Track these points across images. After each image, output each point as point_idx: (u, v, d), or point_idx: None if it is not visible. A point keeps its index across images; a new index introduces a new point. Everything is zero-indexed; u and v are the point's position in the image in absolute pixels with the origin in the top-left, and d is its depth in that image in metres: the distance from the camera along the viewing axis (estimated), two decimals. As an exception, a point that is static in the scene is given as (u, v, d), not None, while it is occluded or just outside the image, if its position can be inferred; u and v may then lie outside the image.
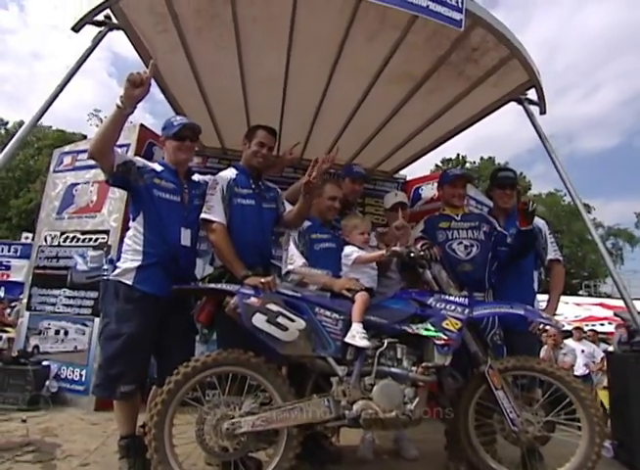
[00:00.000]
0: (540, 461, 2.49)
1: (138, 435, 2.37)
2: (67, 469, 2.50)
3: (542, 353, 6.53)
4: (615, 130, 70.27)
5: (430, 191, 4.93)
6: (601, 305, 13.43)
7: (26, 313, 4.37)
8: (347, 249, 2.76)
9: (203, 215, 2.57)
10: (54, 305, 4.27)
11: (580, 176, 58.07)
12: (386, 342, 2.26)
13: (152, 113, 49.79)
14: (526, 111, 3.43)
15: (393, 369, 2.24)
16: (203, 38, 3.18)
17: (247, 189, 2.73)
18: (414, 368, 2.23)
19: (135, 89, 2.18)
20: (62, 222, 4.49)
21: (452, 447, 2.68)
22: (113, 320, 2.33)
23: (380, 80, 3.48)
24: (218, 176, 2.71)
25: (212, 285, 2.40)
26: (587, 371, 7.10)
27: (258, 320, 2.14)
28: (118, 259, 2.50)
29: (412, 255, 2.49)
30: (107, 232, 4.21)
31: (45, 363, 4.02)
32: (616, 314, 4.58)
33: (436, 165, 30.50)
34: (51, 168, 4.81)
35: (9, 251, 11.54)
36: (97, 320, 3.81)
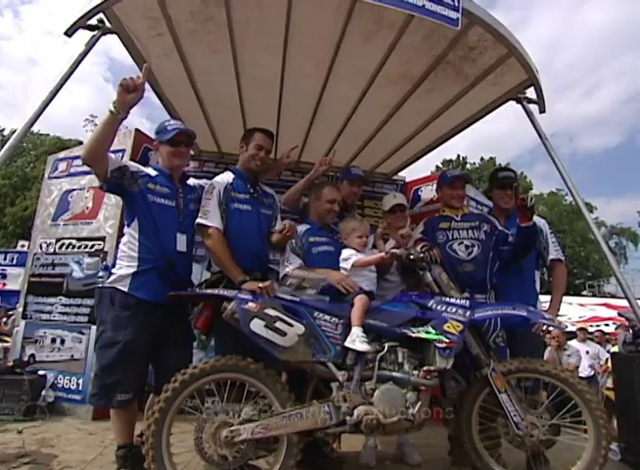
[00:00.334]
0: (546, 465, 2.44)
1: (136, 444, 2.34)
2: (63, 480, 2.46)
3: (546, 355, 6.48)
4: (617, 128, 70.16)
5: (429, 192, 4.90)
6: (605, 305, 13.35)
7: (22, 322, 4.33)
8: (345, 252, 2.72)
9: (198, 221, 2.54)
10: (50, 313, 4.22)
11: (582, 175, 58.28)
12: (386, 346, 2.24)
13: (149, 117, 49.90)
14: (526, 109, 3.39)
15: (394, 373, 2.21)
16: (197, 41, 3.16)
17: (244, 194, 2.70)
18: (415, 372, 2.20)
19: (128, 94, 2.16)
20: (57, 229, 4.46)
21: (456, 453, 2.66)
22: (108, 328, 2.30)
23: (377, 81, 3.46)
24: (215, 181, 2.69)
25: (210, 290, 2.37)
26: (592, 372, 7.03)
27: (256, 326, 2.13)
28: (114, 266, 2.47)
29: (412, 257, 2.47)
30: (103, 239, 4.18)
31: (41, 373, 3.98)
32: (620, 314, 4.54)
33: (437, 167, 30.51)
34: (46, 175, 4.79)
35: (5, 259, 11.38)
36: (94, 328, 3.72)
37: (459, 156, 34.50)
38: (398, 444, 3.17)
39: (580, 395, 2.19)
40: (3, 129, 31.63)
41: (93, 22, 2.91)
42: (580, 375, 6.51)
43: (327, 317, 2.26)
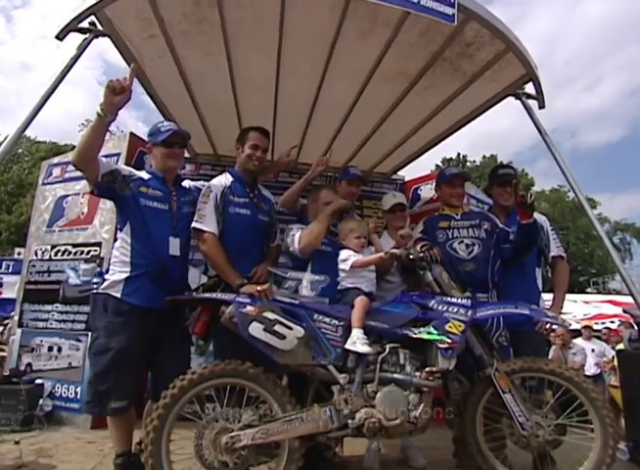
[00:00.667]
0: (552, 466, 2.41)
1: (135, 452, 2.32)
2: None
3: (551, 354, 6.45)
4: (619, 122, 69.97)
5: (429, 191, 4.87)
6: (610, 301, 13.22)
7: (18, 330, 4.28)
8: (344, 253, 2.68)
9: (194, 225, 2.51)
10: (46, 320, 4.17)
11: (585, 171, 58.12)
12: (387, 347, 2.22)
13: (144, 121, 49.83)
14: (525, 105, 3.36)
15: (396, 375, 2.19)
16: (190, 43, 3.12)
17: (243, 198, 2.67)
18: (417, 373, 2.18)
19: (115, 96, 2.13)
20: (52, 236, 4.42)
21: (461, 455, 2.62)
22: (101, 335, 2.27)
23: (374, 79, 3.42)
24: (212, 183, 2.65)
25: (207, 294, 2.34)
26: (599, 371, 6.98)
27: (255, 329, 2.10)
28: (107, 272, 2.43)
29: (411, 257, 2.44)
30: (99, 244, 4.14)
31: (38, 381, 3.93)
32: (625, 311, 4.50)
33: (437, 165, 30.36)
34: (40, 181, 4.74)
35: (0, 267, 11.35)
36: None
37: (459, 154, 34.36)
38: (402, 446, 3.14)
39: (586, 393, 2.16)
40: (-3, 135, 31.63)
41: (85, 24, 2.87)
42: (587, 373, 6.49)
43: (327, 319, 2.24)
